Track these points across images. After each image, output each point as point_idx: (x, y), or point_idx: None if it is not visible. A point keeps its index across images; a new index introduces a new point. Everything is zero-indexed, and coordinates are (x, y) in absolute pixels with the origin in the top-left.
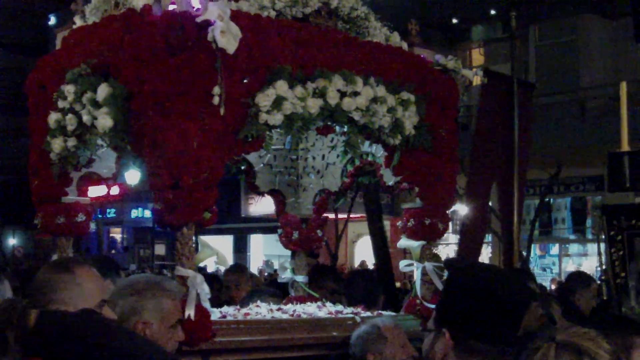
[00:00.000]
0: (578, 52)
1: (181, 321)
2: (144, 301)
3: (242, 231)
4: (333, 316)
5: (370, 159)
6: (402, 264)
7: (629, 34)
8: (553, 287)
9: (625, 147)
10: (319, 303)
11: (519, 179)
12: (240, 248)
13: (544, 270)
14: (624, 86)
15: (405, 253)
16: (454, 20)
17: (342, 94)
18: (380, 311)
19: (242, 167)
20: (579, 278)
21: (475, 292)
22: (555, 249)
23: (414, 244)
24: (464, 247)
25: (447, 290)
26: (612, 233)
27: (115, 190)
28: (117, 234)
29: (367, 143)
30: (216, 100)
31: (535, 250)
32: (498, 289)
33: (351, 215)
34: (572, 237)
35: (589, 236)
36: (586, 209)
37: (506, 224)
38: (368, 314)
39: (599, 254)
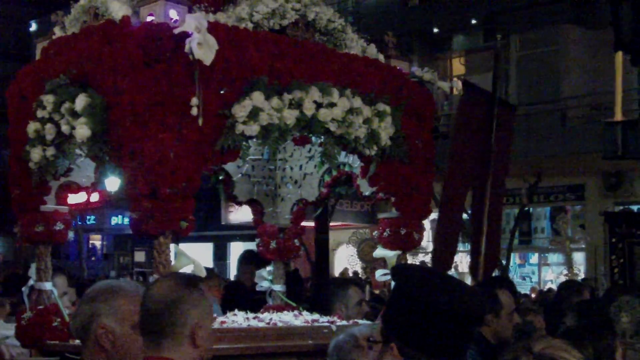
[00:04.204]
0: (559, 62)
1: None
2: (98, 305)
3: (223, 239)
4: (309, 325)
5: (346, 169)
6: (378, 274)
7: (609, 45)
8: (533, 295)
9: (618, 117)
10: (296, 312)
11: (493, 195)
12: (221, 256)
13: (524, 279)
14: (619, 56)
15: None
16: (435, 30)
17: (318, 105)
18: (356, 320)
19: (221, 177)
20: (570, 287)
21: (423, 303)
22: (534, 258)
23: (389, 254)
24: (437, 256)
25: (393, 300)
26: (614, 240)
27: (95, 197)
28: (97, 241)
29: (343, 153)
30: (194, 111)
31: (515, 259)
32: (447, 301)
33: (331, 224)
34: (551, 246)
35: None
36: (556, 219)
37: (476, 235)
38: (344, 322)
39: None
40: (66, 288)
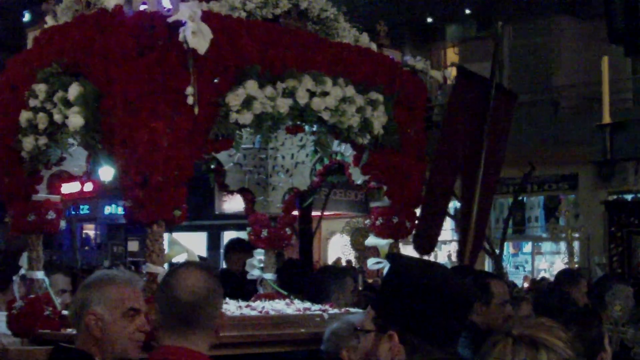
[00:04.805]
0: (552, 53)
1: (137, 310)
2: (90, 293)
3: (216, 228)
4: (301, 313)
5: (339, 158)
6: (371, 262)
7: (602, 35)
8: (526, 285)
9: (606, 119)
10: (287, 300)
11: (485, 183)
12: (214, 245)
13: (517, 268)
14: (605, 60)
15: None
16: (429, 19)
17: (312, 94)
18: (348, 308)
19: (212, 166)
20: (567, 276)
21: (421, 288)
22: (528, 247)
23: (381, 242)
24: (419, 240)
25: (390, 288)
26: (613, 229)
27: (88, 187)
28: (90, 230)
29: (336, 142)
30: (190, 100)
31: (509, 248)
32: (445, 286)
33: (325, 213)
34: (544, 235)
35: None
36: (557, 208)
37: (464, 224)
38: (336, 311)
39: (571, 254)
40: (66, 285)
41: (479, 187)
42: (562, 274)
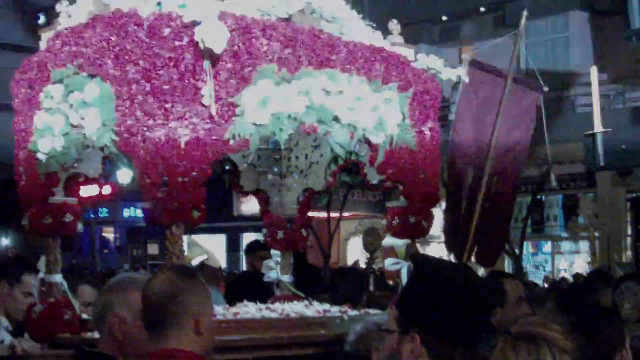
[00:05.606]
0: (567, 49)
1: None
2: (113, 295)
3: (235, 230)
4: (321, 315)
5: (353, 157)
6: (388, 263)
7: (618, 31)
8: (546, 285)
9: (597, 127)
10: (306, 302)
11: (504, 179)
12: (233, 247)
13: (537, 267)
14: (594, 70)
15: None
16: (444, 17)
17: (327, 93)
18: (366, 310)
19: (227, 167)
20: (601, 277)
21: (445, 289)
22: (547, 246)
23: (399, 242)
24: (449, 244)
25: (413, 288)
26: (639, 226)
27: (107, 190)
28: (109, 233)
29: (351, 142)
30: (206, 100)
31: (528, 247)
32: (469, 287)
33: (343, 214)
34: (564, 234)
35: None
36: (578, 206)
37: (466, 221)
38: (355, 312)
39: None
40: (92, 298)
41: (484, 183)
42: (594, 275)
